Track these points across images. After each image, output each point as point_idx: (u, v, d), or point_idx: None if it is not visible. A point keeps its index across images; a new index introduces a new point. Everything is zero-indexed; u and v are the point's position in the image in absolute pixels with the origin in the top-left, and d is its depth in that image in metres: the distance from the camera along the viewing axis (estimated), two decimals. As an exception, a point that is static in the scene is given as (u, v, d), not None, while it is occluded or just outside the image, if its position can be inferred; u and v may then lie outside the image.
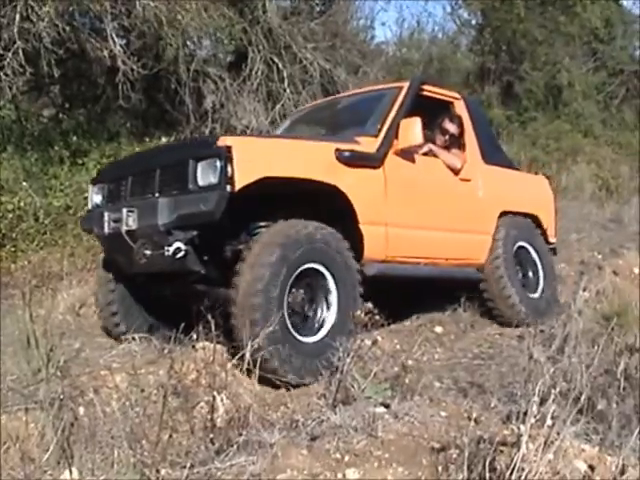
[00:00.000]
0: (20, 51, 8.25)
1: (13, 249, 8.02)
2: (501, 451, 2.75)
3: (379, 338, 5.04)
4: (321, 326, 4.66)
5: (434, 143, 5.92)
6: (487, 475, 2.61)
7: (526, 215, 6.56)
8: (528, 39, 16.46)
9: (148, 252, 4.63)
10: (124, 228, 4.78)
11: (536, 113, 16.76)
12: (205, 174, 4.39)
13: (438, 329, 6.05)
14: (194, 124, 10.78)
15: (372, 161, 5.12)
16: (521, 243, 6.40)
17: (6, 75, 8.28)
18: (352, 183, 4.88)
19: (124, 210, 4.78)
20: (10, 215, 8.14)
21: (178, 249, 4.44)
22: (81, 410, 3.82)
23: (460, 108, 6.22)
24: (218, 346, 4.25)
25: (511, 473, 2.53)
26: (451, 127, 6.05)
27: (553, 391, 2.82)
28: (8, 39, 8.27)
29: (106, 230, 5.00)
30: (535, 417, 2.65)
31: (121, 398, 3.93)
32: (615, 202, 12.86)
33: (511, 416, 3.18)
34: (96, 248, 6.99)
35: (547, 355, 3.94)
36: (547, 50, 16.82)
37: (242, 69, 10.88)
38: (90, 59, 9.81)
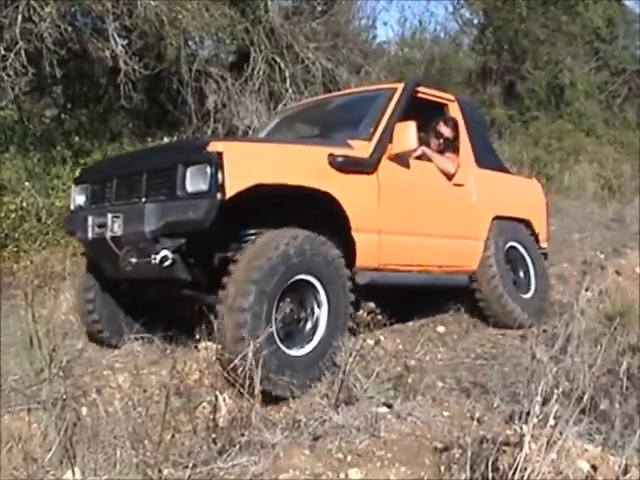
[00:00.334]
0: (22, 51, 8.26)
1: (15, 249, 8.03)
2: (504, 451, 2.75)
3: (381, 338, 5.04)
4: (310, 339, 4.46)
5: (428, 146, 5.83)
6: (490, 475, 2.61)
7: (519, 220, 6.46)
8: (530, 38, 16.45)
9: (134, 260, 4.48)
10: (109, 234, 4.60)
11: (538, 112, 16.74)
12: (194, 180, 4.21)
13: (441, 329, 6.04)
14: (196, 124, 10.77)
15: (365, 166, 4.98)
16: (512, 243, 6.31)
17: (8, 75, 8.29)
18: (345, 189, 4.74)
19: (109, 215, 4.60)
20: (12, 215, 8.15)
21: (165, 257, 4.29)
22: (84, 410, 3.83)
23: (454, 110, 6.11)
24: (220, 346, 4.23)
25: (514, 473, 2.53)
26: (446, 131, 5.94)
27: (556, 391, 2.82)
28: (10, 40, 8.28)
29: (90, 235, 4.79)
30: (538, 417, 2.65)
31: (123, 398, 3.93)
32: (617, 201, 12.86)
33: (514, 416, 3.18)
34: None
35: (550, 355, 3.93)
36: (549, 49, 16.81)
37: (244, 69, 10.87)
38: (92, 59, 9.81)
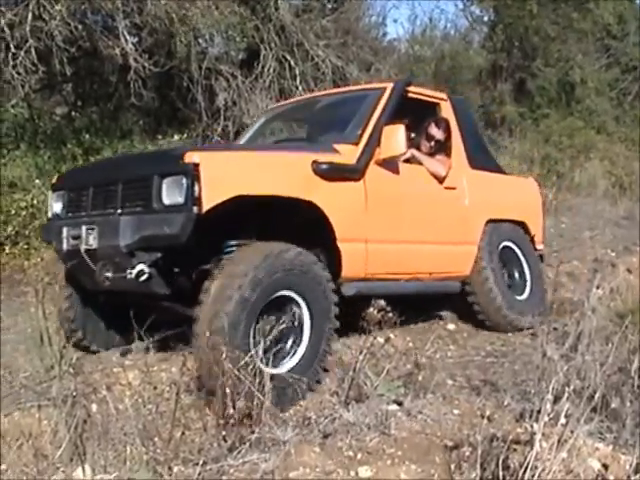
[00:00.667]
0: (33, 49, 8.29)
1: (26, 246, 8.08)
2: (514, 449, 2.74)
3: (392, 336, 5.03)
4: (289, 358, 4.23)
5: (419, 148, 5.65)
6: (500, 473, 2.60)
7: (513, 222, 6.32)
8: (541, 36, 16.38)
9: (109, 274, 4.34)
10: (84, 247, 4.45)
11: (549, 110, 16.67)
12: (170, 192, 4.03)
13: (451, 326, 6.05)
14: (206, 122, 10.79)
15: (352, 173, 4.78)
16: (506, 243, 6.19)
17: (19, 73, 8.32)
18: (330, 198, 4.54)
19: (84, 227, 4.46)
20: (23, 213, 8.20)
21: (141, 272, 4.13)
22: (94, 407, 3.85)
23: (447, 110, 5.92)
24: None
25: (524, 471, 2.52)
26: (437, 133, 5.75)
27: (567, 389, 2.81)
28: (20, 38, 8.31)
29: (65, 247, 4.65)
30: (549, 415, 2.64)
31: (134, 395, 3.94)
32: (628, 199, 12.78)
33: (524, 414, 3.18)
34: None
35: (561, 353, 3.91)
36: (560, 47, 16.73)
37: (254, 67, 10.88)
38: (102, 57, 9.84)
